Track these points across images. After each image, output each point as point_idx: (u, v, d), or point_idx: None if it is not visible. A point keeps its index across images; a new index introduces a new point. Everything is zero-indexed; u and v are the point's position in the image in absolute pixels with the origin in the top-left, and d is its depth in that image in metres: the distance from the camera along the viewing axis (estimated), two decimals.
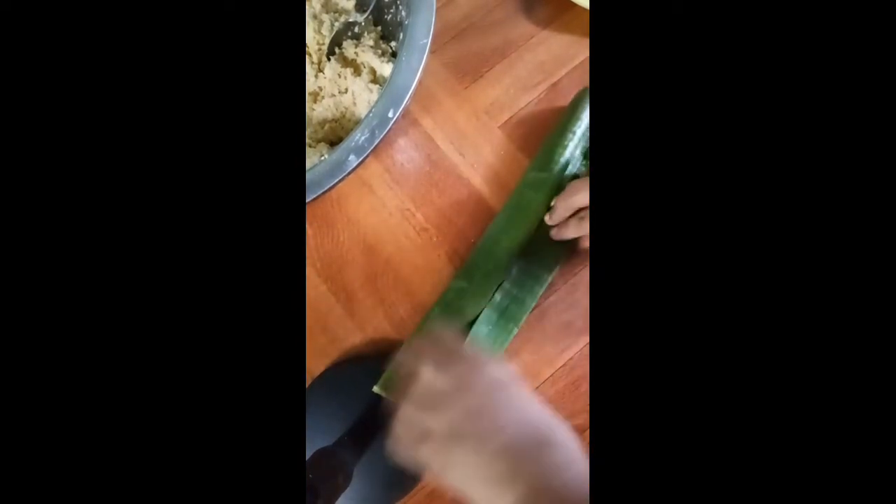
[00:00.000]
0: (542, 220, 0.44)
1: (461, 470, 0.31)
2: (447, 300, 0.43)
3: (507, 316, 0.42)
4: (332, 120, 0.47)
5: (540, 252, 0.44)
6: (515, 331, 0.42)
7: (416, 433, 0.32)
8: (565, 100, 0.49)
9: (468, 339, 0.40)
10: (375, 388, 0.39)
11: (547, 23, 0.51)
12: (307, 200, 0.36)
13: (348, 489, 0.34)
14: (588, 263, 0.45)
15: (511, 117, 0.49)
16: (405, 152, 0.48)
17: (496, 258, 0.43)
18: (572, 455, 0.30)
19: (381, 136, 0.36)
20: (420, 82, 0.37)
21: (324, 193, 0.36)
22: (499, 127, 0.49)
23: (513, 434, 0.30)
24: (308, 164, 0.39)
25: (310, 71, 0.48)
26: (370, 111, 0.38)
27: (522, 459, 0.29)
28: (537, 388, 0.43)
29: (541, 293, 0.43)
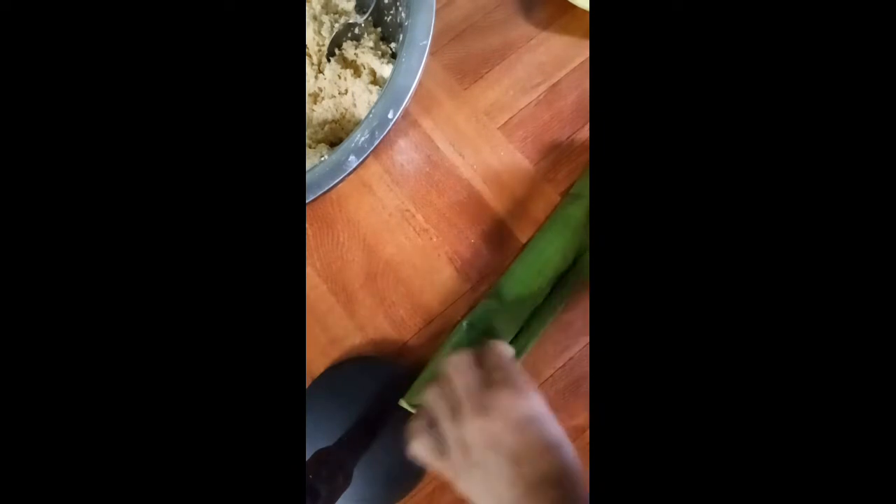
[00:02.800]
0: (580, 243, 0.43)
1: (476, 485, 0.32)
2: (478, 317, 0.41)
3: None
4: (332, 121, 0.47)
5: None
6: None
7: (441, 440, 0.33)
8: (565, 101, 0.49)
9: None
10: (402, 402, 0.38)
11: (546, 24, 0.51)
12: (307, 201, 0.36)
13: (348, 489, 0.34)
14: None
15: (511, 118, 0.49)
16: (405, 153, 0.49)
17: (532, 285, 0.42)
18: (582, 490, 0.30)
19: (381, 137, 0.36)
20: (420, 83, 0.37)
21: (324, 194, 0.36)
22: (498, 128, 0.49)
23: (533, 465, 0.30)
24: (308, 165, 0.39)
25: (310, 72, 0.48)
26: (370, 112, 0.38)
27: (537, 490, 0.30)
28: (537, 388, 0.43)
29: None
